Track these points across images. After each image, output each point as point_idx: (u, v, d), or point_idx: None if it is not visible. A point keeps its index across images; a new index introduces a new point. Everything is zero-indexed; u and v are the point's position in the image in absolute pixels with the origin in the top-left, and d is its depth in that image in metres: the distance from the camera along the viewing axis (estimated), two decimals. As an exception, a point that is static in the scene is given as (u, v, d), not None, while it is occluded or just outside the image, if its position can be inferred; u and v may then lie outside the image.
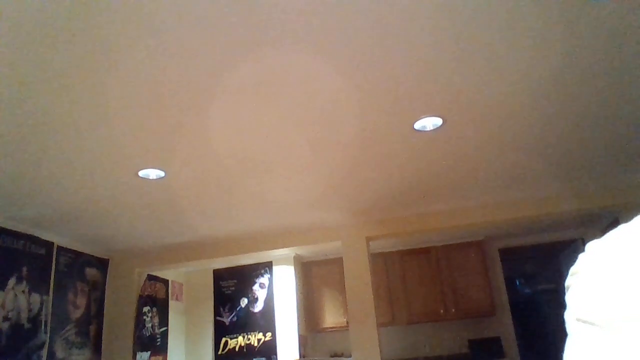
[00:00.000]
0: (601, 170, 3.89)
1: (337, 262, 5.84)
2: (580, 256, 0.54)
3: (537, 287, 7.32)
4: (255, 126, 2.68)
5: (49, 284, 4.16)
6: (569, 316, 0.51)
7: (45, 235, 4.17)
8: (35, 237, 4.05)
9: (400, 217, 4.73)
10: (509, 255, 6.18)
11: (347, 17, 1.86)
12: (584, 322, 0.48)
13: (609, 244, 0.51)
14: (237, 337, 5.72)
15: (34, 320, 3.93)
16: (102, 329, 4.83)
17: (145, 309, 5.20)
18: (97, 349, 4.71)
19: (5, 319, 3.64)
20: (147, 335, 5.18)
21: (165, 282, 5.72)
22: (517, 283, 7.38)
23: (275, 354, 5.51)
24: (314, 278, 6.06)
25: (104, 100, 2.28)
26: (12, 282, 3.74)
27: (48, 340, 4.06)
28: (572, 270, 0.54)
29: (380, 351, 4.45)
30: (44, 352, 4.00)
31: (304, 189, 3.74)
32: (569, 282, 0.54)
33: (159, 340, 5.40)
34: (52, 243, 4.25)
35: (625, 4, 1.90)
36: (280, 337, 5.56)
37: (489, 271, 5.84)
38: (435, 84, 2.39)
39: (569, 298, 0.53)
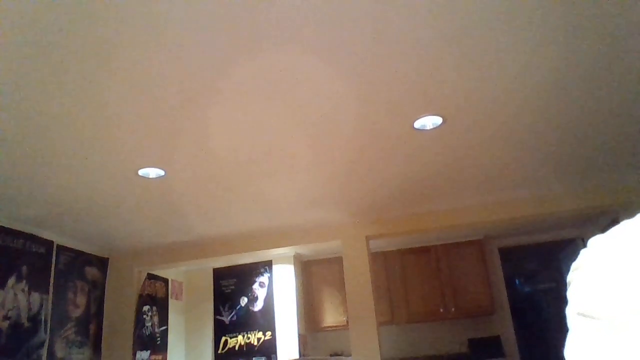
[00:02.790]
0: (601, 170, 3.89)
1: (337, 261, 5.84)
2: (582, 251, 0.53)
3: (537, 286, 7.32)
4: (255, 126, 2.68)
5: (49, 283, 4.15)
6: (571, 311, 0.51)
7: (45, 234, 4.17)
8: (34, 236, 4.04)
9: (400, 216, 4.73)
10: (508, 254, 6.18)
11: (346, 17, 1.86)
12: (585, 316, 0.48)
13: (611, 239, 0.51)
14: (236, 336, 5.72)
15: (34, 319, 3.93)
16: (102, 328, 4.83)
17: (145, 308, 5.20)
18: (96, 348, 4.71)
19: (5, 318, 3.64)
20: (147, 334, 5.18)
21: (165, 281, 5.71)
22: (517, 282, 7.38)
23: (275, 353, 5.51)
24: (314, 277, 6.06)
25: (103, 100, 2.28)
26: (11, 281, 3.74)
27: (48, 339, 4.06)
28: (574, 265, 0.53)
29: (380, 350, 4.45)
30: (44, 351, 4.01)
31: (304, 188, 3.74)
32: (570, 277, 0.53)
33: (158, 339, 5.40)
34: (52, 242, 4.25)
35: (626, 2, 1.90)
36: (280, 336, 5.56)
37: (489, 270, 5.84)
38: (435, 83, 2.39)
39: (570, 293, 0.52)
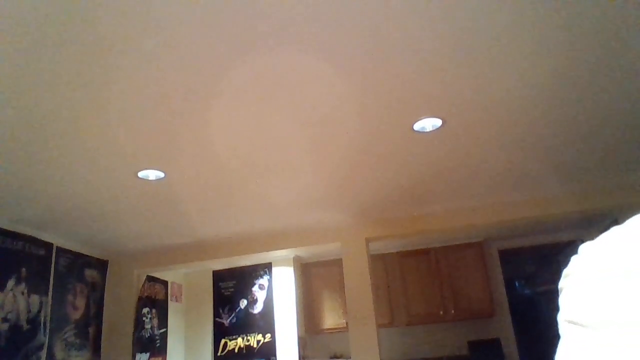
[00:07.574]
0: (601, 171, 3.89)
1: (336, 264, 5.84)
2: (573, 258, 0.53)
3: (536, 288, 7.31)
4: (254, 127, 2.68)
5: (48, 285, 4.15)
6: (561, 318, 0.51)
7: (45, 237, 4.16)
8: (34, 238, 4.04)
9: (399, 218, 4.72)
10: (508, 256, 6.17)
11: (346, 18, 1.86)
12: (575, 323, 0.48)
13: (601, 246, 0.51)
14: (236, 339, 5.71)
15: (33, 321, 3.92)
16: (101, 330, 4.82)
17: (145, 310, 5.19)
18: (96, 350, 4.71)
19: (5, 320, 3.63)
20: (147, 336, 5.17)
21: (164, 283, 5.71)
22: (517, 284, 7.37)
23: (275, 356, 5.50)
24: (314, 279, 6.06)
25: (103, 101, 2.28)
26: (11, 283, 3.74)
27: (47, 342, 4.05)
28: (565, 272, 0.54)
29: (380, 352, 4.45)
30: (43, 354, 4.00)
31: (304, 189, 3.74)
32: (562, 284, 0.53)
33: (158, 341, 5.39)
34: (52, 244, 4.25)
35: (626, 3, 1.90)
36: (279, 339, 5.55)
37: (489, 272, 5.84)
38: (435, 85, 2.39)
39: (561, 300, 0.52)
